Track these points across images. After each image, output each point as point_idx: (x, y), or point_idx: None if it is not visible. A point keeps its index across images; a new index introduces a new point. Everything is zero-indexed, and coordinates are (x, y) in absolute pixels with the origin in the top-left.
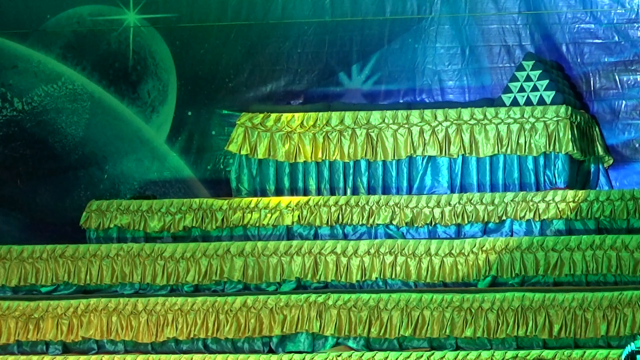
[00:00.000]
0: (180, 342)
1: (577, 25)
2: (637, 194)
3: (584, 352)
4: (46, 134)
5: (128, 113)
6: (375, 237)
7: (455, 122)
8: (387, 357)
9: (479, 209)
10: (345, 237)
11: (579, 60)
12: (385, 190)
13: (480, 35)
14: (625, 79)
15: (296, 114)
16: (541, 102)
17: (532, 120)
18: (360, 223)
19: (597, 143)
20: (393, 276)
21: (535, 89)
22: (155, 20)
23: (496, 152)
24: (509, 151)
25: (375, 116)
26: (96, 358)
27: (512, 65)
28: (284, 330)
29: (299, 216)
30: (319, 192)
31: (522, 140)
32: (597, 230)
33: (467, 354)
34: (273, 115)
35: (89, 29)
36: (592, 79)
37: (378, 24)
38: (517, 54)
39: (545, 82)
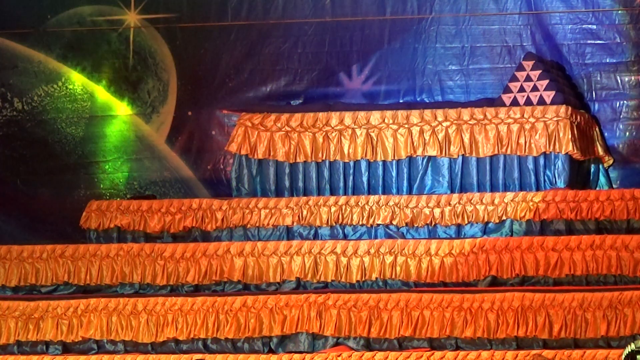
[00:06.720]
0: (180, 342)
1: (578, 26)
2: (637, 194)
3: (584, 352)
4: (46, 134)
5: (128, 113)
6: (375, 237)
7: (455, 122)
8: (387, 357)
9: (479, 209)
10: (345, 237)
11: (580, 60)
12: (385, 190)
13: (480, 35)
14: (626, 79)
15: (296, 114)
16: (541, 102)
17: (532, 120)
18: (360, 223)
19: (597, 143)
20: (393, 276)
21: (535, 89)
22: (155, 20)
23: (496, 152)
24: (509, 151)
25: (375, 116)
26: (96, 358)
27: (513, 65)
28: (284, 330)
29: (299, 216)
30: (319, 192)
31: (522, 140)
32: (597, 230)
33: (467, 354)
34: (273, 115)
35: (89, 29)
36: (593, 79)
37: (378, 24)
38: (518, 54)
39: (545, 82)
